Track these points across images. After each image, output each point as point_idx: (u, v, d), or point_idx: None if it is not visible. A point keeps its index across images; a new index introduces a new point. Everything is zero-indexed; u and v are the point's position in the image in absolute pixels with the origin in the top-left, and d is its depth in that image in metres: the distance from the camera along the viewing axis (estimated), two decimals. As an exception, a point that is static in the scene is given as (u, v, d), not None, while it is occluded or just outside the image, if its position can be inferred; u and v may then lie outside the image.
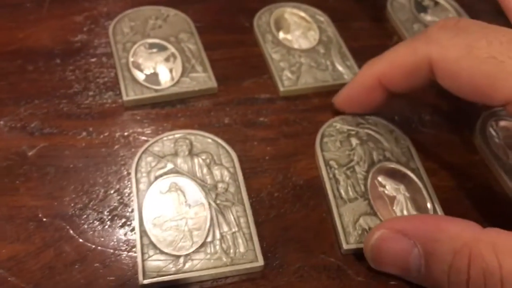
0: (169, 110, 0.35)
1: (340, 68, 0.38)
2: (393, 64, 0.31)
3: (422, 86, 0.31)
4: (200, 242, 0.28)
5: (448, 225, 0.25)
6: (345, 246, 0.29)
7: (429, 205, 0.31)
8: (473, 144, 0.35)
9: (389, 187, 0.32)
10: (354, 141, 0.33)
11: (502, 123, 0.35)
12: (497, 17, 0.45)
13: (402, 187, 0.32)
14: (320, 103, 0.36)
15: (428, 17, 0.43)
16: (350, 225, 0.30)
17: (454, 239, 0.24)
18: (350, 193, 0.31)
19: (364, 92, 0.33)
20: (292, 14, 0.42)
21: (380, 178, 0.32)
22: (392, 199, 0.31)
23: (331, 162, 0.32)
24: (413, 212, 0.31)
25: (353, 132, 0.34)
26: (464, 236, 0.24)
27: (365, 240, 0.28)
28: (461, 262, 0.23)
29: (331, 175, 0.32)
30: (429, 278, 0.25)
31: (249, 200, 0.30)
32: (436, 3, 0.44)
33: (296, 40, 0.40)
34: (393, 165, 0.32)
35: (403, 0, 0.44)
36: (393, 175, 0.32)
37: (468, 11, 0.44)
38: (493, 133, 0.35)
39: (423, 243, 0.25)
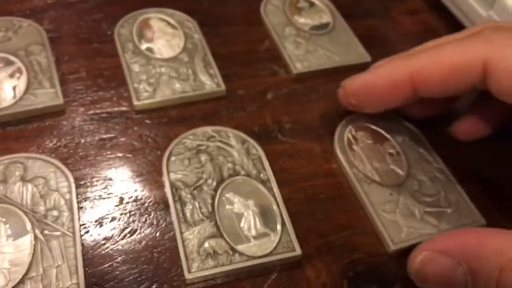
0: (8, 131, 0.32)
1: (202, 77, 0.37)
2: (436, 61, 0.29)
3: (458, 92, 0.30)
4: (17, 280, 0.26)
5: (491, 239, 0.24)
6: (187, 275, 0.27)
7: (278, 220, 0.30)
8: (332, 152, 0.34)
9: (238, 204, 0.30)
10: (203, 157, 0.32)
11: (360, 131, 0.34)
12: (373, 16, 0.44)
13: (251, 202, 0.30)
14: (178, 115, 0.35)
15: (301, 19, 0.42)
16: (195, 250, 0.28)
17: (498, 254, 0.23)
18: (196, 215, 0.29)
19: (387, 86, 0.31)
20: (159, 20, 0.40)
21: (228, 195, 0.30)
22: (240, 216, 0.30)
23: (178, 183, 0.30)
24: (261, 229, 0.29)
25: (203, 147, 0.32)
26: (508, 251, 0.23)
27: (408, 263, 0.27)
28: (508, 278, 0.23)
29: (176, 198, 0.30)
30: None
31: (83, 229, 0.28)
32: (312, 4, 0.43)
33: (159, 49, 0.38)
34: (241, 179, 0.31)
35: (278, 2, 0.43)
36: (242, 189, 0.31)
37: (343, 12, 0.43)
38: (352, 140, 0.34)
39: (467, 261, 0.24)
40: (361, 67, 0.39)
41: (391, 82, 0.31)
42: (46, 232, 0.27)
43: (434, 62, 0.29)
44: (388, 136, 0.34)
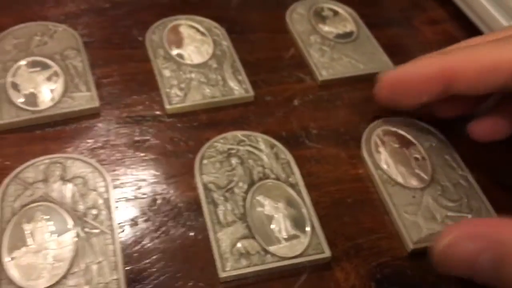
0: (46, 132, 0.34)
1: (231, 83, 0.38)
2: (470, 58, 0.31)
3: (488, 89, 0.31)
4: (61, 274, 0.27)
5: None
6: (221, 274, 0.28)
7: (307, 222, 0.31)
8: (359, 157, 0.35)
9: (268, 206, 0.31)
10: (234, 160, 0.33)
11: (387, 135, 0.35)
12: (396, 25, 0.45)
13: (280, 205, 0.31)
14: (208, 119, 0.36)
15: (326, 28, 0.43)
16: (228, 250, 0.29)
17: None
18: (228, 217, 0.30)
19: (421, 79, 0.32)
20: (188, 27, 0.41)
21: (259, 198, 0.31)
22: (270, 218, 0.31)
23: (210, 185, 0.32)
24: (292, 231, 0.30)
25: (233, 151, 0.33)
26: None
27: (432, 246, 0.27)
28: None
29: (209, 199, 0.31)
30: (501, 280, 0.25)
31: (121, 227, 0.29)
32: (336, 13, 0.44)
33: (188, 55, 0.39)
34: (271, 182, 0.32)
35: (303, 11, 0.44)
36: (272, 192, 0.32)
37: (366, 21, 0.44)
38: (379, 143, 0.35)
39: (492, 247, 0.25)
40: (385, 75, 0.40)
41: (424, 75, 0.32)
42: (86, 229, 0.29)
43: (468, 59, 0.31)
44: (414, 141, 0.35)
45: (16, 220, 0.28)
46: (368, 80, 0.39)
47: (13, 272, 0.27)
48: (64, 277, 0.27)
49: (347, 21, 0.44)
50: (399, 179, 0.33)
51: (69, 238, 0.28)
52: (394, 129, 0.36)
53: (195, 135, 0.35)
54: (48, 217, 0.29)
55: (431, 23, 0.46)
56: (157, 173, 0.33)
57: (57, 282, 0.27)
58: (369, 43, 0.42)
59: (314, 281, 0.29)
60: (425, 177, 0.33)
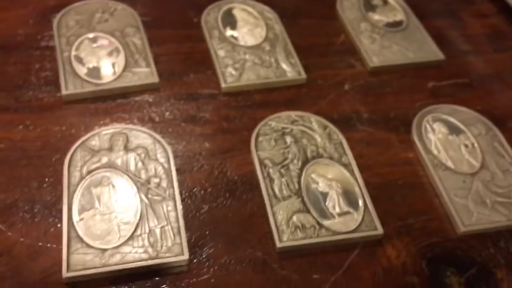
0: (109, 104, 0.35)
1: (283, 65, 0.39)
2: None
3: None
4: (127, 236, 0.28)
5: None
6: (278, 244, 0.29)
7: (360, 200, 0.31)
8: (409, 142, 0.36)
9: (322, 183, 0.32)
10: (288, 139, 0.34)
11: (438, 122, 0.36)
12: (444, 17, 0.46)
13: (334, 183, 0.32)
14: (262, 99, 0.37)
15: (376, 16, 0.44)
16: (284, 223, 0.30)
17: None
18: (284, 191, 0.31)
19: None
20: (241, 10, 0.42)
21: (313, 175, 0.32)
22: (325, 195, 0.32)
23: (266, 161, 0.33)
24: (345, 208, 0.31)
25: (287, 130, 0.34)
26: None
27: None
28: None
29: (265, 174, 0.32)
30: None
31: (181, 195, 0.31)
32: (386, 2, 0.45)
33: (242, 37, 0.40)
34: (326, 161, 0.33)
35: (353, -1, 0.45)
36: (326, 171, 0.33)
37: (416, 11, 0.44)
38: (429, 129, 0.36)
39: None
40: (435, 64, 0.41)
41: None
42: (149, 196, 0.30)
43: None
44: (464, 128, 0.36)
45: (84, 184, 0.30)
46: (418, 69, 0.40)
47: (83, 231, 0.28)
48: (130, 238, 0.28)
49: (397, 10, 0.45)
50: (450, 164, 0.34)
51: (134, 203, 0.29)
52: (444, 116, 0.37)
53: (250, 113, 0.36)
54: (113, 182, 0.30)
55: (479, 16, 0.46)
56: (214, 147, 0.34)
57: (124, 243, 0.28)
58: (419, 33, 0.43)
59: (366, 256, 0.30)
60: (475, 163, 0.34)
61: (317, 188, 0.32)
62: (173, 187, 0.31)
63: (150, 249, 0.28)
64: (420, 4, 0.46)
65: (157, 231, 0.29)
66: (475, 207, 0.32)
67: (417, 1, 0.46)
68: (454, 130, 0.36)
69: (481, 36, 0.44)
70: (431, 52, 0.41)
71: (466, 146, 0.35)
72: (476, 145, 0.35)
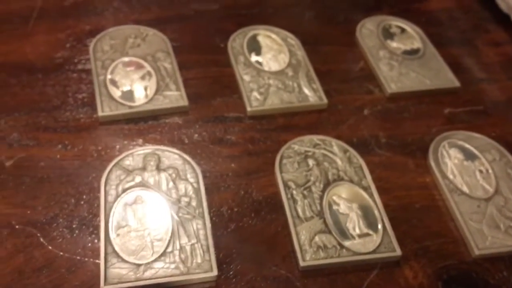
0: (141, 126, 0.37)
1: (306, 90, 0.41)
2: None
3: None
4: (160, 252, 0.30)
5: None
6: (301, 263, 0.31)
7: (379, 223, 0.33)
8: (426, 166, 0.37)
9: (343, 205, 0.34)
10: (311, 162, 0.36)
11: (453, 148, 0.38)
12: (459, 45, 0.47)
13: (354, 205, 0.34)
14: (285, 123, 0.39)
15: (394, 44, 0.45)
16: (307, 243, 0.32)
17: None
18: (307, 212, 0.33)
19: None
20: (265, 37, 0.45)
21: (334, 197, 0.34)
22: (345, 217, 0.33)
23: (289, 183, 0.34)
24: (364, 229, 0.33)
25: (310, 153, 0.36)
26: None
27: None
28: None
29: (289, 195, 0.34)
30: None
31: (210, 214, 0.32)
32: (403, 30, 0.47)
33: (267, 63, 0.42)
34: (346, 184, 0.35)
35: (372, 27, 0.47)
36: (346, 193, 0.34)
37: (432, 39, 0.46)
38: (445, 154, 0.37)
39: None
40: (451, 92, 0.42)
41: None
42: (180, 214, 0.32)
43: None
44: (479, 154, 0.37)
45: (120, 202, 0.32)
46: (434, 95, 0.42)
47: (119, 247, 0.30)
48: (163, 254, 0.30)
49: (414, 38, 0.46)
50: (465, 189, 0.35)
51: (166, 220, 0.31)
52: (460, 142, 0.38)
53: (274, 136, 0.38)
54: (147, 201, 0.32)
55: (493, 44, 0.48)
56: (240, 168, 0.36)
57: (157, 259, 0.30)
58: (435, 60, 0.44)
59: (384, 276, 0.31)
60: (490, 188, 0.36)
61: (338, 210, 0.34)
62: (202, 206, 0.32)
63: (181, 265, 0.30)
64: (436, 32, 0.47)
65: (188, 248, 0.30)
66: (489, 231, 0.33)
67: (433, 30, 0.48)
68: (469, 156, 0.37)
69: (495, 64, 0.46)
70: (447, 79, 0.43)
71: (481, 171, 0.36)
72: (490, 171, 0.36)
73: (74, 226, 0.31)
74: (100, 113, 0.37)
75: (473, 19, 0.50)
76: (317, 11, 0.49)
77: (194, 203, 0.33)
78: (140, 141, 0.36)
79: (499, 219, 0.34)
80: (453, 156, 0.37)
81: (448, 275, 0.32)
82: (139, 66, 0.40)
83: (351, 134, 0.39)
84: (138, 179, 0.33)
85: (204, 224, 0.32)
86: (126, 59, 0.40)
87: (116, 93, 0.38)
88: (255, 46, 0.44)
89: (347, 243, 0.32)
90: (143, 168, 0.34)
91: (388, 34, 0.46)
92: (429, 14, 0.50)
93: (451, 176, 0.36)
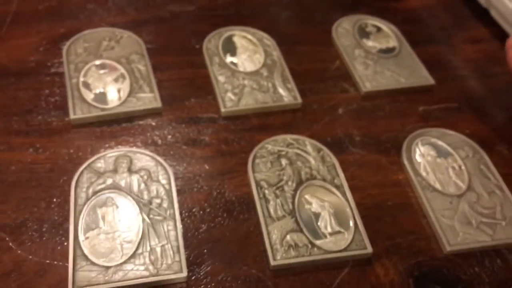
0: (114, 128, 0.37)
1: (280, 90, 0.41)
2: None
3: None
4: (130, 254, 0.30)
5: None
6: (272, 262, 0.31)
7: (351, 220, 0.33)
8: (399, 164, 0.37)
9: (315, 204, 0.34)
10: (284, 161, 0.36)
11: (427, 145, 0.38)
12: (436, 43, 0.48)
13: (326, 204, 0.34)
14: (259, 123, 0.39)
15: (369, 43, 0.46)
16: (278, 242, 0.32)
17: None
18: (279, 211, 0.33)
19: None
20: (241, 37, 0.45)
21: (306, 196, 0.34)
22: (317, 215, 0.33)
23: (262, 183, 0.34)
24: (336, 227, 0.33)
25: (283, 153, 0.36)
26: None
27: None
28: None
29: (261, 195, 0.34)
30: None
31: (181, 215, 0.32)
32: (379, 29, 0.47)
33: (242, 63, 0.42)
34: (319, 183, 0.35)
35: (348, 26, 0.47)
36: (319, 192, 0.34)
37: (408, 38, 0.46)
38: (418, 152, 0.37)
39: None
40: (426, 89, 0.43)
41: None
42: (151, 216, 0.32)
43: None
44: (452, 151, 0.37)
45: (90, 204, 0.32)
46: (409, 93, 0.42)
47: (88, 249, 0.30)
48: (132, 256, 0.30)
49: (390, 37, 0.47)
50: (437, 186, 0.35)
51: (136, 222, 0.31)
52: (433, 139, 0.38)
53: (247, 136, 0.38)
54: (117, 203, 0.32)
55: (472, 42, 0.48)
56: (213, 169, 0.36)
57: (127, 261, 0.30)
58: (411, 59, 0.45)
59: (356, 274, 0.31)
60: (462, 185, 0.36)
61: (310, 209, 0.34)
62: (173, 208, 0.32)
63: (151, 267, 0.30)
64: (413, 30, 0.48)
65: (158, 249, 0.30)
66: (461, 227, 0.33)
67: (410, 28, 0.48)
68: (442, 153, 0.38)
69: (471, 62, 0.46)
70: (422, 77, 0.43)
71: (453, 168, 0.37)
72: (463, 167, 0.37)
73: (43, 229, 0.31)
74: (72, 116, 0.36)
75: (452, 16, 0.51)
76: (294, 12, 0.49)
77: (165, 205, 0.32)
78: (113, 143, 0.36)
79: (471, 215, 0.34)
80: (426, 154, 0.37)
81: (419, 272, 0.32)
82: (113, 69, 0.40)
83: (325, 133, 0.39)
84: (109, 181, 0.33)
85: (175, 225, 0.32)
86: (99, 61, 0.40)
87: (89, 95, 0.38)
88: (230, 47, 0.44)
89: (318, 242, 0.32)
90: (115, 170, 0.34)
91: (364, 33, 0.47)
92: (407, 13, 0.50)
93: (424, 173, 0.36)
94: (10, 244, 0.30)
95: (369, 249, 0.32)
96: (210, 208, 0.33)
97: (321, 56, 0.45)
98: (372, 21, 0.48)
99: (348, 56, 0.44)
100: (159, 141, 0.37)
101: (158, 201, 0.33)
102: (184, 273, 0.29)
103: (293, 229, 0.32)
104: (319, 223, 0.33)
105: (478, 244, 0.33)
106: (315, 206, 0.34)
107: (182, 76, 0.41)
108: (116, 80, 0.39)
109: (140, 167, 0.34)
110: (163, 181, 0.34)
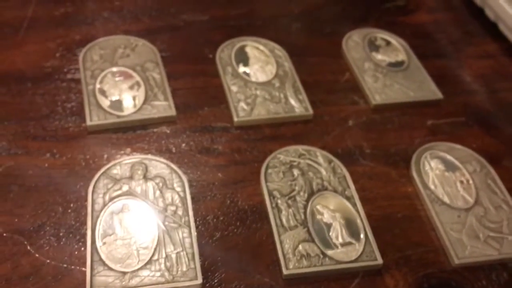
0: (129, 135, 0.38)
1: (292, 101, 0.41)
2: None
3: None
4: (146, 260, 0.31)
5: None
6: (285, 272, 0.31)
7: (361, 232, 0.34)
8: (408, 176, 0.38)
9: (327, 214, 0.35)
10: (296, 172, 0.36)
11: (435, 159, 0.39)
12: (444, 57, 0.48)
13: (338, 215, 0.35)
14: (271, 133, 0.40)
15: (379, 56, 0.46)
16: (290, 251, 0.32)
17: None
18: (291, 221, 0.34)
19: None
20: (253, 48, 0.45)
21: (318, 207, 0.35)
22: (329, 226, 0.34)
23: (274, 192, 0.35)
24: (347, 238, 0.34)
25: (295, 163, 0.37)
26: None
27: None
28: None
29: (273, 205, 0.34)
30: None
31: (195, 223, 0.33)
32: (388, 43, 0.48)
33: (254, 73, 0.43)
34: (330, 194, 0.35)
35: (358, 39, 0.48)
36: (330, 203, 0.35)
37: (417, 52, 0.47)
38: (427, 165, 0.38)
39: None
40: (434, 103, 0.43)
41: None
42: (166, 223, 0.32)
43: None
44: (460, 165, 0.38)
45: (107, 210, 0.32)
46: (417, 107, 0.43)
47: (105, 255, 0.30)
48: (148, 262, 0.30)
49: (399, 51, 0.47)
50: (446, 199, 0.36)
51: (152, 229, 0.32)
52: (441, 153, 0.39)
53: (260, 146, 0.38)
54: (133, 210, 0.33)
55: (480, 56, 0.49)
56: (226, 178, 0.36)
57: (143, 267, 0.30)
58: (419, 73, 0.45)
59: (366, 285, 0.32)
60: (470, 199, 0.36)
61: (322, 219, 0.34)
62: (188, 215, 0.33)
63: (166, 273, 0.30)
64: (421, 44, 0.48)
65: (173, 256, 0.31)
66: (468, 241, 0.34)
67: (419, 42, 0.49)
68: (450, 167, 0.38)
69: (479, 76, 0.47)
70: (430, 91, 0.44)
71: (461, 182, 0.37)
72: (471, 181, 0.37)
73: (61, 234, 0.32)
74: (88, 122, 0.37)
75: (460, 30, 0.51)
76: (304, 23, 0.50)
77: (180, 212, 0.33)
78: (128, 150, 0.37)
79: (478, 229, 0.35)
80: (434, 167, 0.38)
81: (428, 284, 0.32)
82: (128, 76, 0.41)
83: (336, 144, 0.39)
84: (125, 188, 0.34)
85: (190, 232, 0.32)
86: (115, 69, 0.41)
87: (105, 102, 0.39)
88: (243, 57, 0.44)
89: (330, 252, 0.33)
90: (131, 177, 0.34)
91: (373, 46, 0.47)
92: (415, 27, 0.51)
93: (432, 187, 0.37)
94: (29, 247, 0.31)
95: (380, 261, 0.32)
96: (223, 216, 0.34)
97: (331, 68, 0.46)
98: (382, 35, 0.49)
99: (358, 68, 0.45)
100: (174, 149, 0.37)
101: (173, 208, 0.33)
102: (199, 280, 0.30)
103: (305, 239, 0.33)
104: (330, 234, 0.34)
105: (486, 258, 0.34)
106: (326, 217, 0.34)
107: (196, 85, 0.42)
108: (131, 87, 0.40)
109: (155, 174, 0.35)
110: (178, 189, 0.34)
